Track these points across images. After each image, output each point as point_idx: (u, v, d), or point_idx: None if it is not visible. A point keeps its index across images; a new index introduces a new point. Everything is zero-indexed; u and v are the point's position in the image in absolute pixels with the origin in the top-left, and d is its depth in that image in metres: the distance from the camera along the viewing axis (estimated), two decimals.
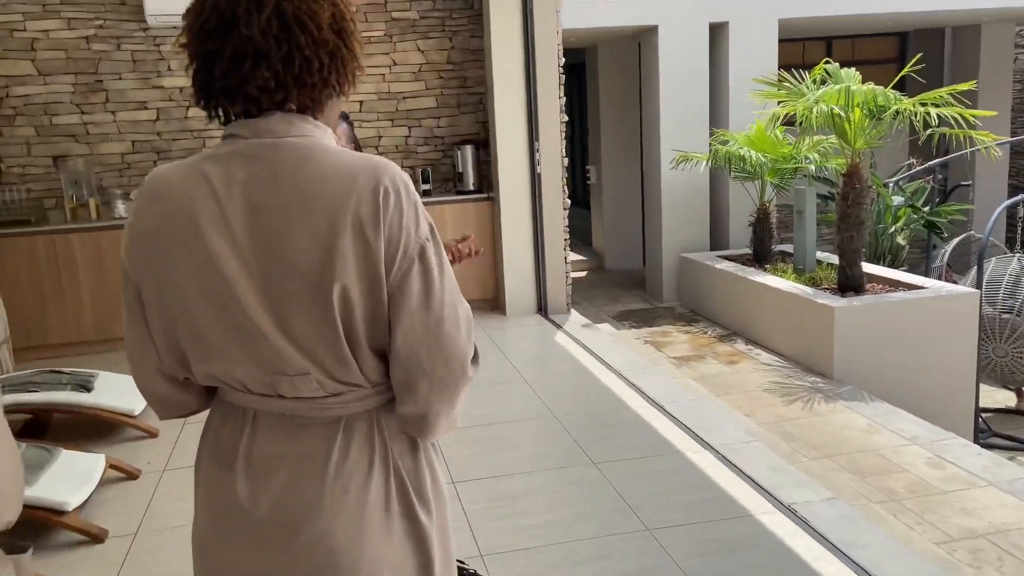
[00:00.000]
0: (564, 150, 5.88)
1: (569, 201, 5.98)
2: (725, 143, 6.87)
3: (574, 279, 6.49)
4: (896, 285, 5.79)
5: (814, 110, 5.35)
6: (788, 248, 6.95)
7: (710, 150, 7.05)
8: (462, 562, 2.68)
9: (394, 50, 6.11)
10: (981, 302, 5.68)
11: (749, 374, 5.55)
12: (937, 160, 8.35)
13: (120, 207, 5.48)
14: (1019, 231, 7.45)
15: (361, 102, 6.12)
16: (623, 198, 9.42)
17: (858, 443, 4.26)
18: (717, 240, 8.14)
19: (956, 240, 7.76)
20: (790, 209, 6.92)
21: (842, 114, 5.34)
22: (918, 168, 8.01)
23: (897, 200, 7.57)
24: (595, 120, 9.52)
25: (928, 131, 5.20)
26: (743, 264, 6.96)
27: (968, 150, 7.51)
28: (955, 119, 5.17)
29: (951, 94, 5.28)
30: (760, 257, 7.00)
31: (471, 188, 6.05)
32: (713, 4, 7.68)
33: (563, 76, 5.82)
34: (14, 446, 1.16)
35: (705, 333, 6.76)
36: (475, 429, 3.95)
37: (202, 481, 1.28)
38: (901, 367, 5.26)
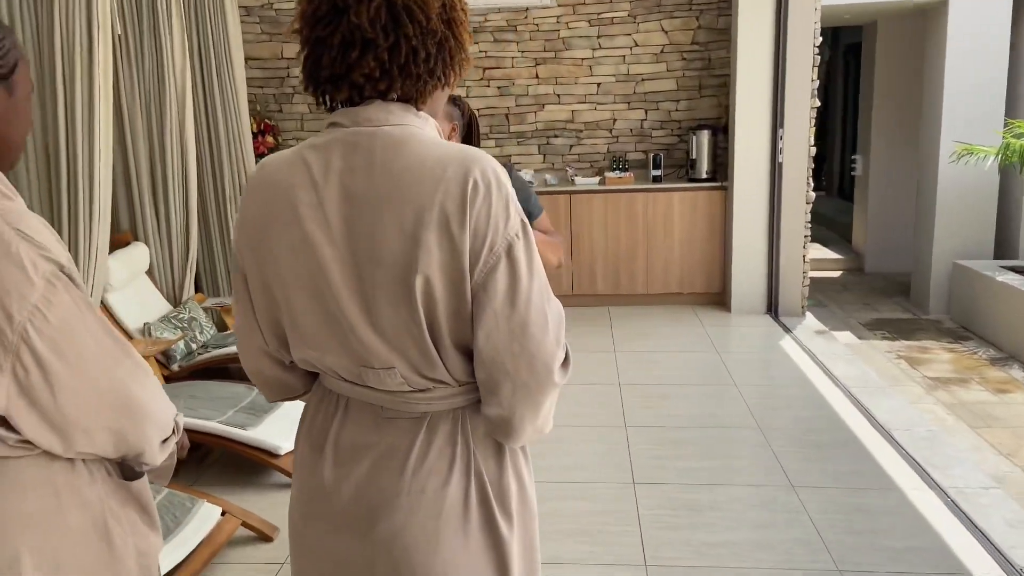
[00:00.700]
0: (812, 138, 5.37)
1: (813, 194, 5.45)
2: (1021, 136, 5.87)
3: (824, 280, 5.94)
4: None
5: None
6: None
7: (1002, 143, 6.06)
8: None
9: (636, 31, 5.94)
10: None
11: (1021, 407, 4.73)
12: None
13: None
14: None
15: (598, 84, 6.04)
16: (893, 192, 8.44)
17: None
18: (1003, 248, 7.02)
19: None
20: None
21: None
22: None
23: None
24: (867, 105, 8.61)
25: None
26: None
27: None
28: None
29: None
30: None
31: (704, 176, 5.75)
32: None
33: (818, 56, 5.29)
34: (152, 396, 1.28)
35: (975, 354, 5.87)
36: (668, 431, 3.75)
37: (297, 461, 1.31)
38: None
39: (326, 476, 1.23)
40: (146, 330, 3.96)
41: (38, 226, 1.20)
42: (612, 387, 4.35)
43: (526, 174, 5.95)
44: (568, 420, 3.90)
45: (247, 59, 6.08)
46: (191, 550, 2.64)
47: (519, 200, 1.81)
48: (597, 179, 5.86)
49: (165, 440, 1.36)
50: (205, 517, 2.77)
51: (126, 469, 1.34)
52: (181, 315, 4.23)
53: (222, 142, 5.36)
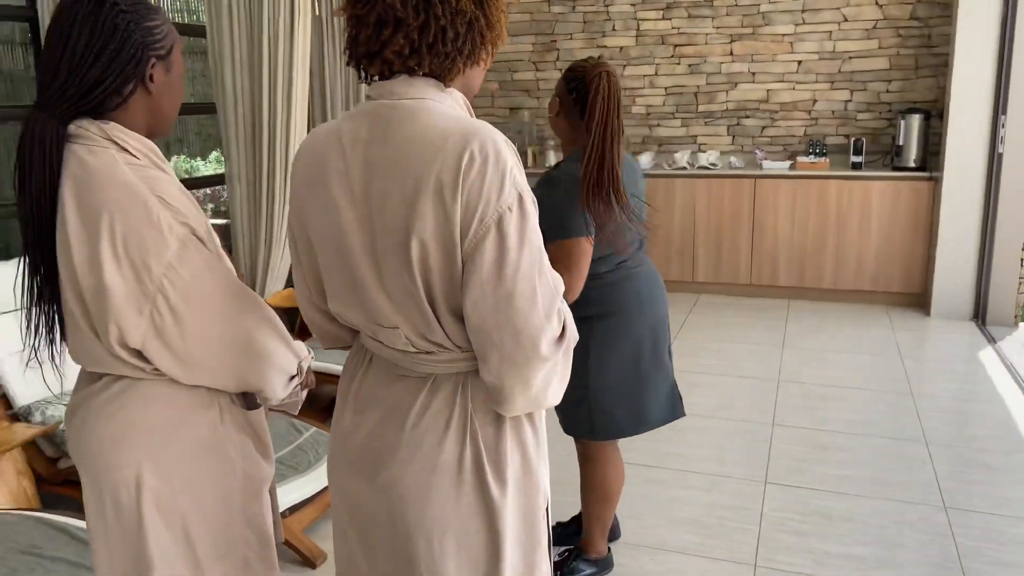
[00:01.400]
0: None
1: None
2: None
3: None
4: None
5: None
6: None
7: None
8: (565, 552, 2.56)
9: (846, 4, 5.50)
10: None
11: None
12: None
13: (551, 157, 6.00)
14: None
15: (799, 62, 5.67)
16: None
17: None
18: None
19: None
20: None
21: None
22: None
23: None
24: None
25: None
26: None
27: None
28: None
29: None
30: None
31: (911, 164, 5.22)
32: None
33: None
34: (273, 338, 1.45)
35: None
36: (818, 434, 3.50)
37: (335, 407, 1.42)
38: None
39: (346, 422, 1.33)
40: None
41: (177, 193, 1.39)
42: (769, 382, 4.12)
43: (710, 155, 5.74)
44: (713, 411, 3.76)
45: None
46: (326, 485, 2.89)
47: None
48: (788, 163, 5.52)
49: (291, 379, 1.53)
50: None
51: (249, 399, 1.52)
52: None
53: None
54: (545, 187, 2.11)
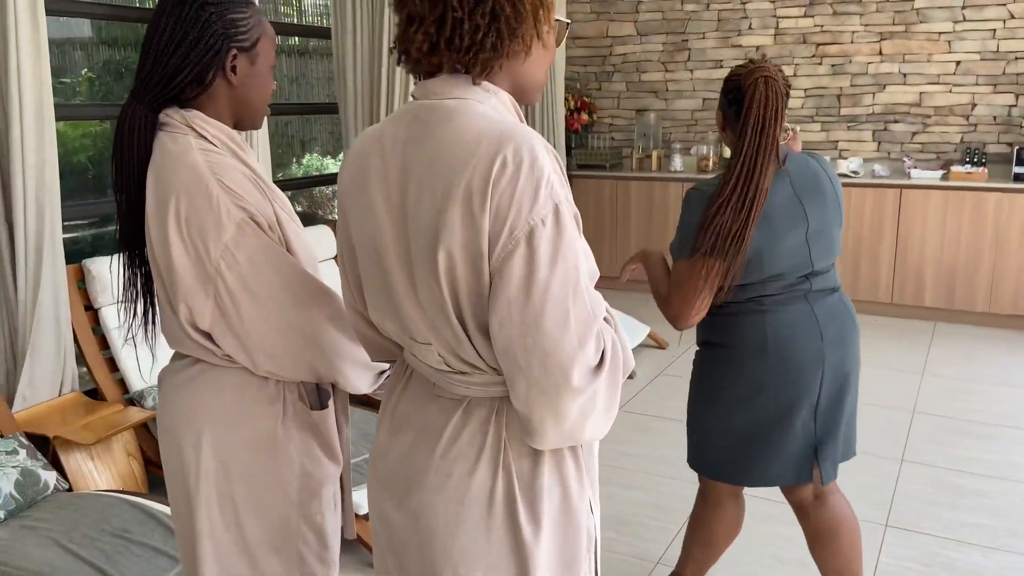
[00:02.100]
0: None
1: None
2: None
3: None
4: None
5: None
6: None
7: None
8: None
9: (1013, 0, 4.97)
10: None
11: None
12: None
13: (677, 161, 5.78)
14: None
15: (957, 62, 5.18)
16: None
17: None
18: None
19: None
20: None
21: None
22: None
23: None
24: None
25: None
26: None
27: None
28: None
29: None
30: None
31: None
32: None
33: None
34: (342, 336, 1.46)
35: None
36: (954, 474, 3.15)
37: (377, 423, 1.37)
38: None
39: (382, 440, 1.27)
40: None
41: (239, 178, 1.41)
42: (902, 413, 3.77)
43: (852, 162, 5.34)
44: None
45: (575, 37, 6.27)
46: None
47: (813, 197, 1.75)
48: (940, 173, 5.05)
49: (380, 373, 1.54)
50: None
51: (321, 397, 1.53)
52: None
53: (536, 115, 5.61)
54: (683, 203, 1.95)
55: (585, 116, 6.08)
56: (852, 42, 5.47)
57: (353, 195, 1.18)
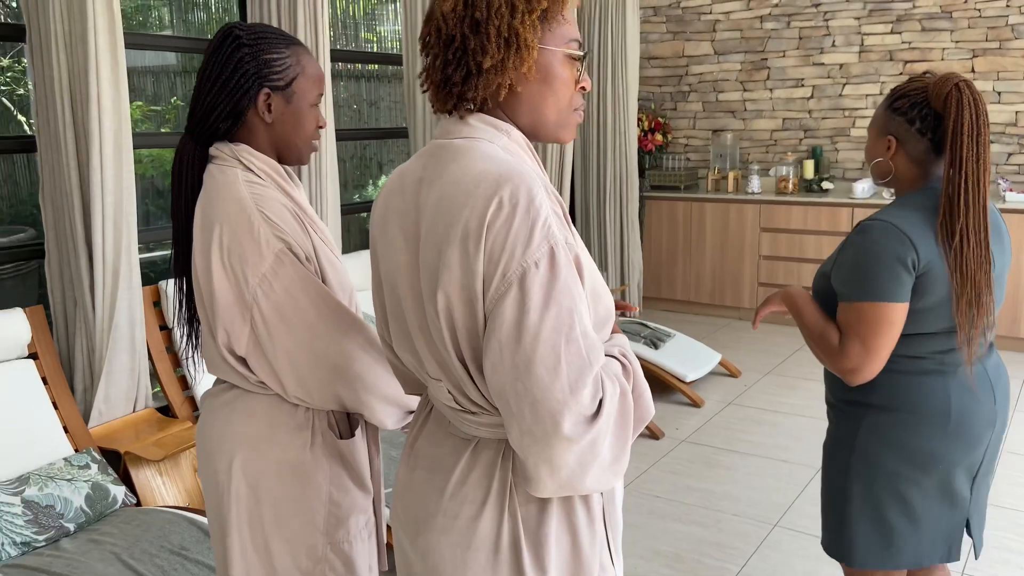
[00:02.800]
0: None
1: None
2: None
3: None
4: None
5: None
6: None
7: None
8: None
9: None
10: None
11: None
12: None
13: (755, 183, 5.63)
14: None
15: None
16: None
17: None
18: None
19: None
20: None
21: None
22: None
23: None
24: None
25: None
26: None
27: None
28: None
29: None
30: None
31: None
32: None
33: None
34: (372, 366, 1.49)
35: None
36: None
37: None
38: None
39: (400, 475, 1.27)
40: None
41: (281, 210, 1.46)
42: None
43: None
44: None
45: (649, 58, 6.21)
46: None
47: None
48: None
49: (408, 412, 1.55)
50: None
51: (352, 424, 1.56)
52: None
53: (608, 136, 5.58)
54: (856, 235, 1.66)
55: (659, 137, 6.00)
56: (942, 59, 5.23)
57: (379, 231, 1.19)
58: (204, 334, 1.51)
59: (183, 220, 1.52)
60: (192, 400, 3.12)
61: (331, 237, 1.57)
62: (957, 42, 5.17)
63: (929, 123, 1.64)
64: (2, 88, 3.33)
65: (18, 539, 2.23)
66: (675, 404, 4.20)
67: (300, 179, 3.40)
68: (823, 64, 5.62)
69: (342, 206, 3.82)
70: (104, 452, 2.73)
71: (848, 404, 1.74)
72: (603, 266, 5.68)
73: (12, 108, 3.36)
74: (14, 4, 3.23)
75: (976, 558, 1.78)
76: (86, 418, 2.82)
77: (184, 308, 1.59)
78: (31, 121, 2.90)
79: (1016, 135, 5.09)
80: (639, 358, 4.21)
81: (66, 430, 2.66)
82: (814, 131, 5.72)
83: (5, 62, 3.33)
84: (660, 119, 6.06)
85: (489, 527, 1.11)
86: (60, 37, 2.63)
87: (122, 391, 2.89)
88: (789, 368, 4.75)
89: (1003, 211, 4.75)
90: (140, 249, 2.92)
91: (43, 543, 2.28)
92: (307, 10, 3.40)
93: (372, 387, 1.48)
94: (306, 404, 1.48)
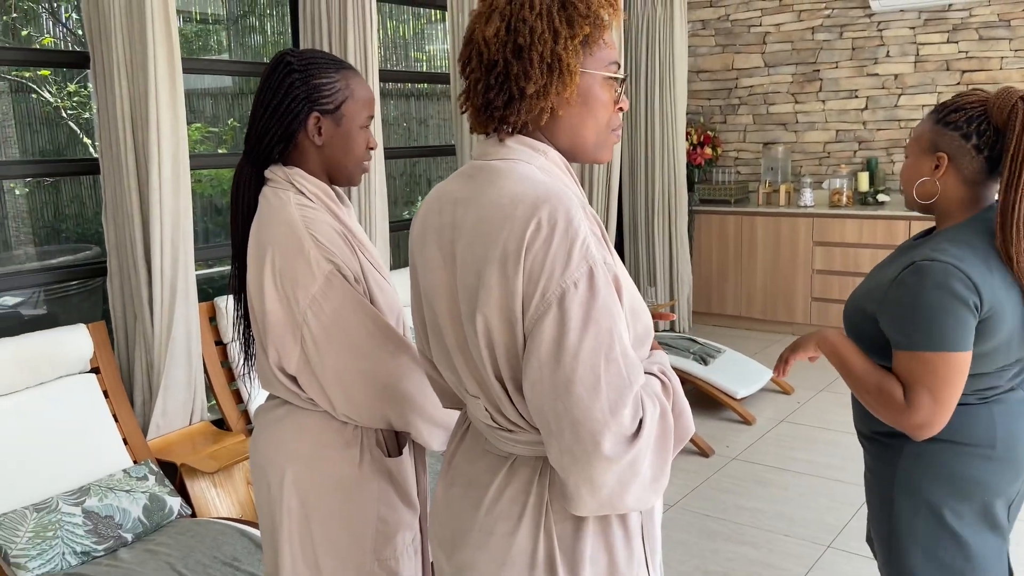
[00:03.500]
0: None
1: None
2: None
3: None
4: None
5: None
6: None
7: None
8: None
9: None
10: None
11: None
12: None
13: (807, 195, 5.55)
14: None
15: None
16: None
17: None
18: None
19: None
20: None
21: None
22: None
23: None
24: None
25: None
26: None
27: None
28: None
29: None
30: None
31: None
32: None
33: None
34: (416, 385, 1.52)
35: None
36: None
37: None
38: None
39: (438, 492, 1.28)
40: None
41: (330, 232, 1.50)
42: None
43: None
44: None
45: (698, 71, 6.17)
46: None
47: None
48: None
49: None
50: None
51: (400, 441, 1.58)
52: None
53: (656, 150, 5.56)
54: (911, 276, 1.52)
55: (709, 150, 5.95)
56: (1001, 68, 5.09)
57: (417, 248, 1.21)
58: (258, 351, 1.55)
59: (241, 241, 1.57)
60: (246, 413, 3.19)
61: (380, 259, 1.60)
62: (1016, 51, 5.03)
63: (988, 139, 1.52)
64: (69, 112, 3.47)
65: (78, 548, 2.31)
66: (725, 421, 4.15)
67: (350, 197, 3.47)
68: (877, 75, 5.52)
69: (391, 223, 3.88)
70: (161, 464, 2.81)
71: (887, 436, 1.64)
72: (652, 281, 5.65)
73: (79, 132, 3.51)
74: (79, 32, 3.38)
75: None
76: (144, 430, 2.91)
77: (242, 325, 1.64)
78: (96, 144, 3.02)
79: None
80: (688, 374, 4.17)
81: (125, 442, 2.75)
82: (869, 143, 5.61)
83: (72, 88, 3.48)
84: (709, 132, 6.02)
85: (525, 544, 1.12)
86: (122, 64, 2.74)
87: (179, 404, 2.98)
88: (842, 385, 4.64)
89: None
90: (199, 266, 3.02)
91: (102, 553, 2.35)
92: (356, 32, 3.47)
93: (420, 408, 1.51)
94: (354, 422, 1.50)
